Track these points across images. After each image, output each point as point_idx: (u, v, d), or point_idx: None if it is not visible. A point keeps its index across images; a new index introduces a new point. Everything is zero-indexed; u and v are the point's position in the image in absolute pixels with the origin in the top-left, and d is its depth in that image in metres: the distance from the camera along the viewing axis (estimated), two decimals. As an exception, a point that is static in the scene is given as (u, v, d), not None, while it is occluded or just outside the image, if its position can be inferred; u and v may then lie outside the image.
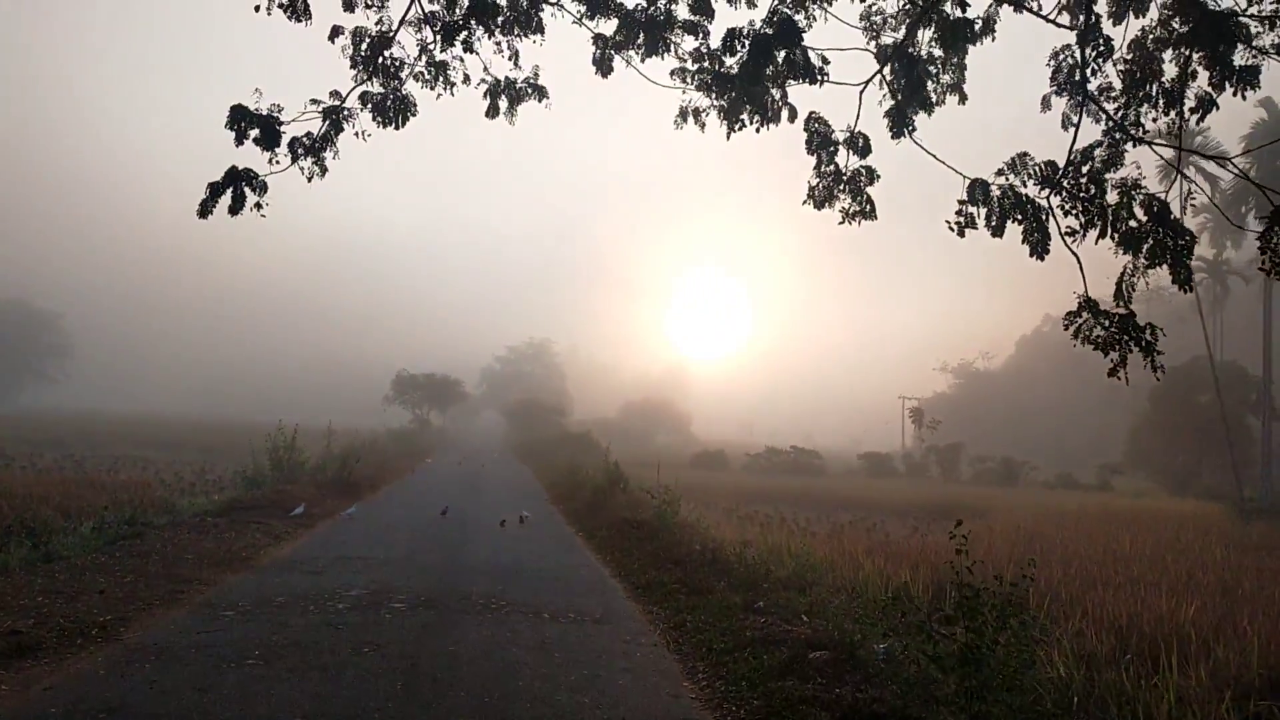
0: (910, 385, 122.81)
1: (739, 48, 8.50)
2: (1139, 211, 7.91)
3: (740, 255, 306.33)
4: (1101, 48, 8.02)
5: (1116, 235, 7.89)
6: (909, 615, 8.53)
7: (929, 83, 8.35)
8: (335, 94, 10.69)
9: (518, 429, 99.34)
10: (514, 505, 24.80)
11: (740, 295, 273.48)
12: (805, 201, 8.63)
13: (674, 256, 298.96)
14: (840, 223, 8.59)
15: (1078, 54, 8.12)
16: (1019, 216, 7.70)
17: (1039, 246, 7.66)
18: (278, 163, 10.48)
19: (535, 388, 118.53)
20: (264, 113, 10.14)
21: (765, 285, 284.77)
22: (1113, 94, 7.89)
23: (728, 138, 8.99)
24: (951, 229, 7.77)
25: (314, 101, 10.66)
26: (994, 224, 7.75)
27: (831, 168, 8.57)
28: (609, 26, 10.34)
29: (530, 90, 11.31)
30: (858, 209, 8.54)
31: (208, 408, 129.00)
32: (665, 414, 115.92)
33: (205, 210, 10.30)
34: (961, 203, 7.84)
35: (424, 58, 10.86)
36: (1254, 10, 7.63)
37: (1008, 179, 7.78)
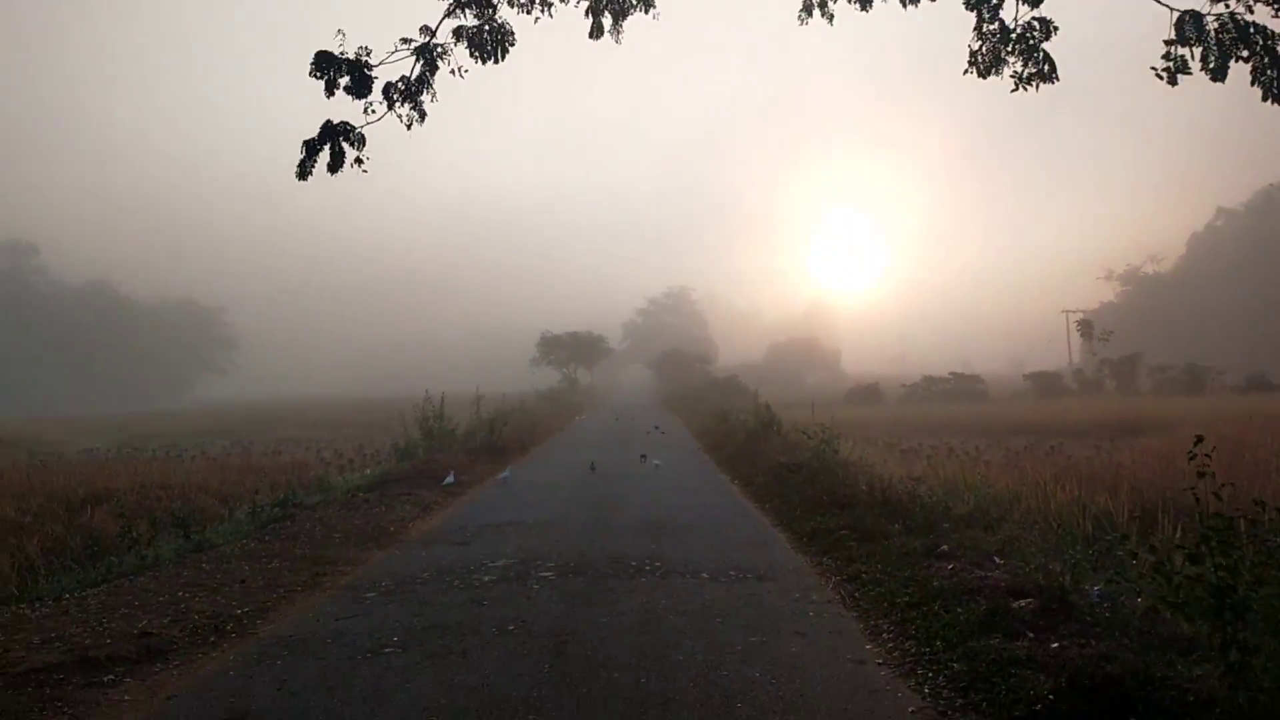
0: (1071, 298, 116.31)
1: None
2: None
3: (876, 180, 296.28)
4: None
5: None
6: (1143, 555, 7.19)
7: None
8: (426, 29, 9.84)
9: (664, 380, 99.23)
10: (663, 457, 24.04)
11: (880, 223, 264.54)
12: (967, 70, 7.25)
13: (808, 192, 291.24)
14: (1013, 90, 7.16)
15: None
16: (1244, 51, 6.16)
17: (1275, 85, 6.11)
18: (373, 111, 9.76)
19: (677, 338, 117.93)
20: (351, 57, 9.37)
21: (905, 210, 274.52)
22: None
23: (867, 8, 7.64)
24: (1160, 76, 6.29)
25: (404, 41, 9.85)
26: (1213, 65, 6.23)
27: (995, 25, 7.15)
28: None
29: (635, 1, 10.21)
30: (1033, 71, 7.08)
31: (367, 387, 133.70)
32: (812, 353, 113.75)
33: (304, 171, 9.65)
34: (1169, 43, 6.34)
35: (518, -23, 9.88)
36: None
37: (1226, 5, 6.24)
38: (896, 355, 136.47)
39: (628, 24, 10.45)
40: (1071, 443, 26.01)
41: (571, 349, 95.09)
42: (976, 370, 68.81)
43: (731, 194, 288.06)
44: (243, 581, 9.86)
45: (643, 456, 23.19)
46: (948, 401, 53.96)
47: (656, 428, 36.28)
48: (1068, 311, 76.59)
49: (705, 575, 9.75)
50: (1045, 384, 60.07)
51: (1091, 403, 46.33)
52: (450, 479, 19.07)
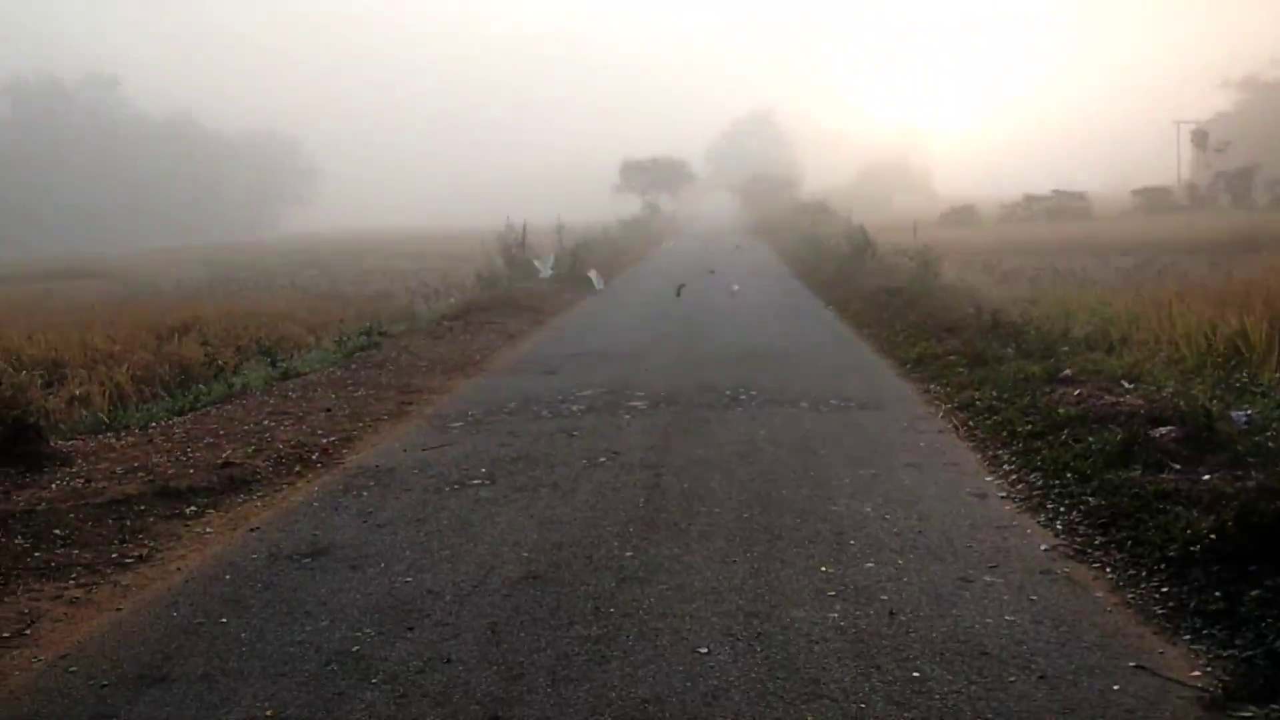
0: (1183, 108, 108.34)
1: None
2: None
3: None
4: None
5: None
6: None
7: None
8: None
9: (749, 206, 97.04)
10: (753, 285, 23.38)
11: (973, 37, 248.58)
12: None
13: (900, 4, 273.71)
14: None
15: None
16: None
17: None
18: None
19: (763, 161, 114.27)
20: None
21: (998, 20, 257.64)
22: None
23: None
24: None
25: None
26: None
27: None
28: None
29: None
30: None
31: (450, 217, 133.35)
32: (903, 174, 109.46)
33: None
34: None
35: None
36: None
37: None
38: (990, 174, 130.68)
39: None
40: (1186, 260, 24.45)
41: (653, 175, 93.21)
42: (1079, 188, 65.33)
43: (815, 10, 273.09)
44: (328, 410, 9.66)
45: (711, 271, 23.19)
46: (1049, 220, 51.39)
47: (738, 247, 37.29)
48: (1180, 122, 71.77)
49: (805, 405, 9.21)
50: (1154, 200, 56.84)
51: (1205, 218, 43.61)
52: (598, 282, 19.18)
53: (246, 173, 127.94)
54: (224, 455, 7.67)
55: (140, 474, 7.07)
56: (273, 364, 12.76)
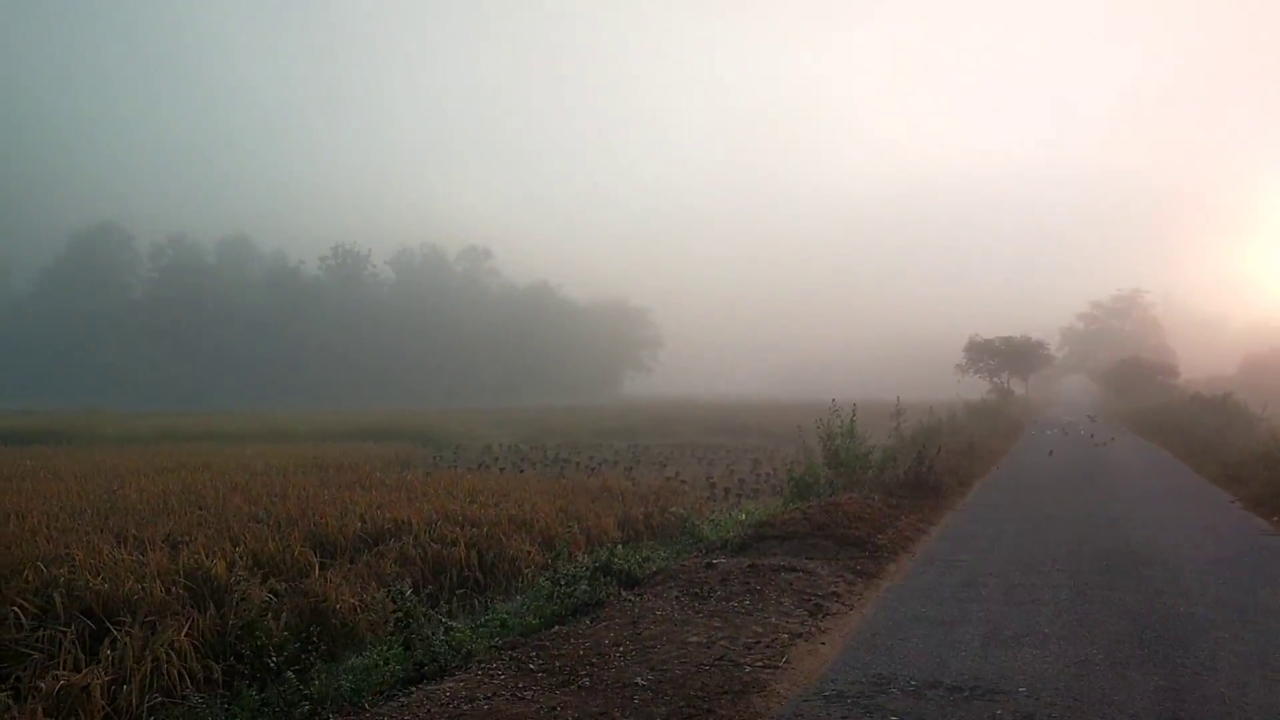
0: None
1: None
2: None
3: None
4: None
5: None
6: None
7: None
8: None
9: (1114, 394, 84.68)
10: (1190, 518, 15.77)
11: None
12: None
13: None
14: None
15: None
16: None
17: None
18: None
19: (1127, 346, 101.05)
20: None
21: None
22: None
23: None
24: None
25: None
26: None
27: None
28: None
29: None
30: None
31: (782, 389, 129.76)
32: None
33: None
34: None
35: None
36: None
37: None
38: None
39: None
40: None
41: (1004, 356, 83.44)
42: None
43: (1196, 183, 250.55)
44: None
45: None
46: None
47: (1111, 445, 31.04)
48: None
49: None
50: None
51: None
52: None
53: (596, 339, 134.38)
54: None
55: None
56: (406, 645, 7.58)
